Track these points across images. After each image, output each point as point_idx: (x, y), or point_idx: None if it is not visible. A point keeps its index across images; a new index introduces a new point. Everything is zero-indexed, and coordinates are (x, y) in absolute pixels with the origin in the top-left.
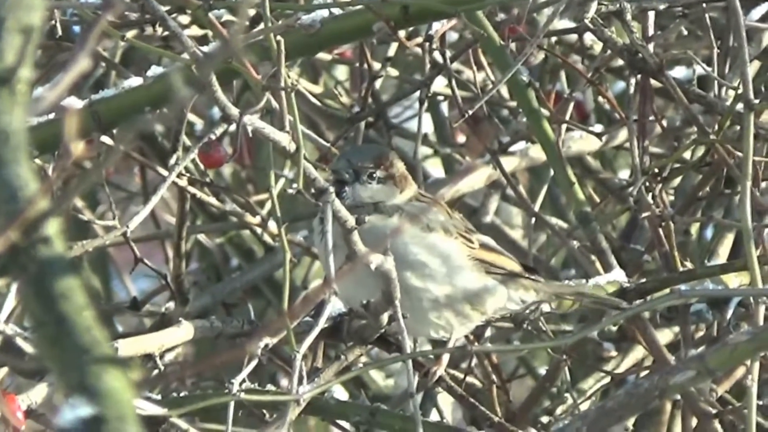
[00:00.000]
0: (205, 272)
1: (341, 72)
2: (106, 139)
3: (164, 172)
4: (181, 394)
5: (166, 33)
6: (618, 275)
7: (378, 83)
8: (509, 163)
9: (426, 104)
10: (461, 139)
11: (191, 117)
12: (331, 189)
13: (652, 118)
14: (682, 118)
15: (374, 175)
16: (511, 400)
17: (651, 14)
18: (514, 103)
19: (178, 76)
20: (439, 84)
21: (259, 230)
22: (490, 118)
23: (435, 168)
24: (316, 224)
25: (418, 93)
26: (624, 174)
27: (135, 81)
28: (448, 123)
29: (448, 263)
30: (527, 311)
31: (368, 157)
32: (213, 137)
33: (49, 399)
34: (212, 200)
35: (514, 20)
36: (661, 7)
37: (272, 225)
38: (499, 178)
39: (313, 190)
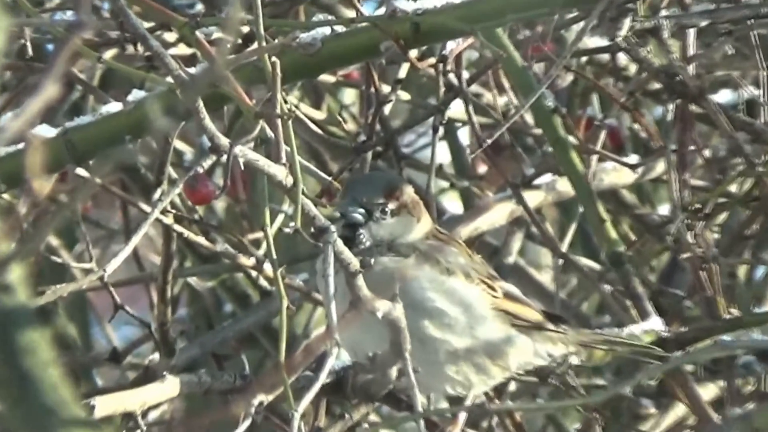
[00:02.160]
0: (194, 320)
1: (347, 96)
2: (81, 171)
3: (147, 209)
4: None
5: (149, 53)
6: (656, 323)
7: (387, 108)
8: (534, 197)
9: (441, 132)
10: (480, 170)
11: (179, 145)
12: (333, 228)
13: (693, 147)
14: (726, 147)
15: (386, 209)
16: None
17: (691, 32)
18: (539, 131)
19: (160, 102)
20: (456, 109)
21: (254, 273)
22: (512, 148)
23: (451, 203)
24: (318, 266)
25: (431, 119)
26: (663, 210)
27: (114, 106)
28: (465, 153)
29: (469, 312)
30: (554, 364)
31: (376, 189)
32: (200, 170)
33: None
34: (202, 240)
35: (538, 38)
36: (703, 23)
37: (268, 267)
38: (522, 215)
39: (313, 229)
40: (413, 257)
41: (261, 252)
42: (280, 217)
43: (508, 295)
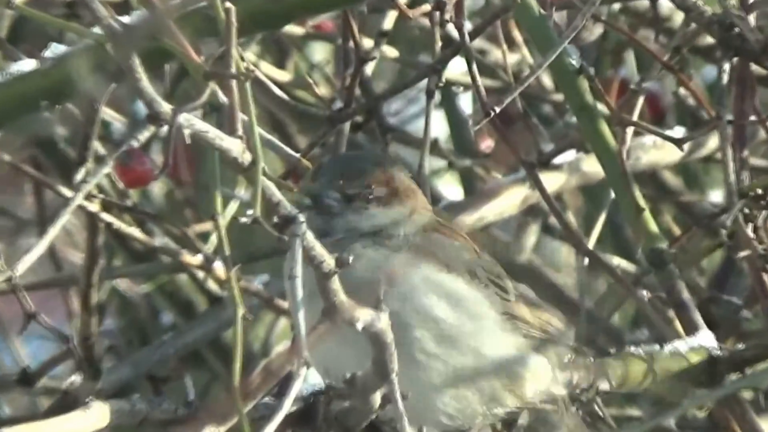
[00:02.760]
0: (125, 333)
1: (318, 52)
2: None
3: (68, 193)
4: None
5: None
6: (706, 339)
7: (370, 68)
8: (553, 180)
9: (437, 98)
10: (486, 146)
11: (108, 114)
12: (301, 217)
13: (753, 118)
14: None
15: (371, 195)
16: None
17: None
18: (559, 97)
19: (84, 59)
20: (456, 69)
21: (200, 274)
22: (526, 118)
23: (449, 187)
24: (284, 266)
25: (425, 82)
26: (715, 197)
27: (27, 64)
28: (467, 124)
29: (474, 321)
30: (579, 391)
31: (358, 171)
32: (135, 144)
33: None
34: (135, 232)
35: None
36: None
37: (219, 266)
38: (538, 202)
39: (276, 219)
40: (404, 252)
41: (210, 248)
42: (235, 204)
43: (523, 299)
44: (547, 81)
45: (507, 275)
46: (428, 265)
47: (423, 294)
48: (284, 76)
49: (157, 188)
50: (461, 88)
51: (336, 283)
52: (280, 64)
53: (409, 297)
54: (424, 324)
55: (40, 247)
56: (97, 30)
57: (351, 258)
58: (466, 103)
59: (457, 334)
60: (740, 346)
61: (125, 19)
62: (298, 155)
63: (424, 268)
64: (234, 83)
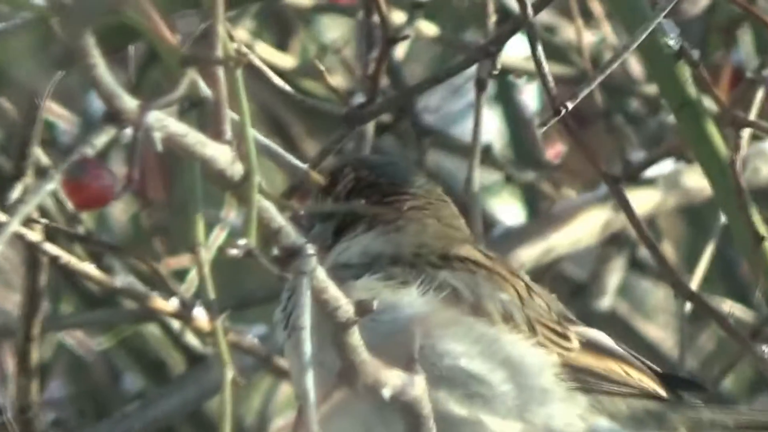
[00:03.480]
0: (77, 402)
1: (332, 29)
2: None
3: (0, 216)
4: None
5: None
6: None
7: (401, 50)
8: (644, 199)
9: (490, 90)
10: (556, 154)
11: (51, 113)
12: (310, 249)
13: None
14: None
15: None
16: None
17: None
18: (652, 89)
19: (23, 38)
20: (515, 52)
21: (176, 324)
22: (607, 117)
23: (506, 208)
24: (278, 314)
25: (474, 70)
26: None
27: None
28: (531, 125)
29: (521, 380)
30: None
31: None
32: (90, 153)
33: None
34: (90, 268)
35: None
36: None
37: (201, 314)
38: (624, 228)
39: (277, 251)
40: (417, 289)
41: (189, 289)
42: (222, 232)
43: (589, 347)
44: (635, 68)
45: (571, 318)
46: (447, 306)
47: (454, 343)
48: (287, 61)
49: (119, 210)
50: (523, 78)
51: (356, 337)
52: (282, 45)
53: (437, 353)
54: (454, 383)
55: None
56: (39, 0)
57: (376, 303)
58: (529, 97)
59: (499, 396)
60: None
61: None
62: (305, 166)
63: (449, 313)
64: (221, 71)
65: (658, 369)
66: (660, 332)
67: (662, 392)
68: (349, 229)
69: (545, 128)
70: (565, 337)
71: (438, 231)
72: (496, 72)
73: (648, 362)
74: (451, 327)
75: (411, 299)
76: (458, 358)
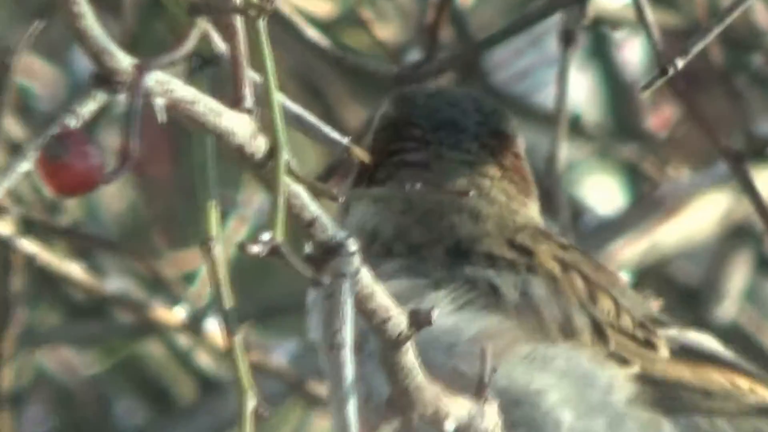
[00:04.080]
0: None
1: None
2: None
3: None
4: None
5: None
6: None
7: None
8: None
9: (579, 46)
10: (662, 124)
11: (26, 75)
12: (352, 245)
13: None
14: None
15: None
16: None
17: None
18: None
19: None
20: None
21: (183, 340)
22: (727, 78)
23: (600, 191)
24: (314, 327)
25: (558, 18)
26: None
27: None
28: (631, 89)
29: (584, 403)
30: None
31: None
32: (74, 124)
33: None
34: (75, 270)
35: None
36: None
37: (215, 328)
38: (749, 218)
39: (311, 248)
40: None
41: (199, 296)
42: (242, 223)
43: (683, 353)
44: (762, 16)
45: (660, 319)
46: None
47: (532, 369)
48: (324, 7)
49: (111, 196)
50: (620, 30)
51: (410, 357)
52: None
53: (516, 376)
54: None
55: None
56: None
57: (436, 313)
58: (630, 53)
59: (552, 427)
60: None
61: None
62: (346, 140)
63: (518, 328)
64: (239, 21)
65: None
66: None
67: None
68: (365, 179)
69: (650, 92)
70: (650, 345)
71: (489, 210)
72: (586, 22)
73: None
74: (533, 350)
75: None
76: (542, 389)
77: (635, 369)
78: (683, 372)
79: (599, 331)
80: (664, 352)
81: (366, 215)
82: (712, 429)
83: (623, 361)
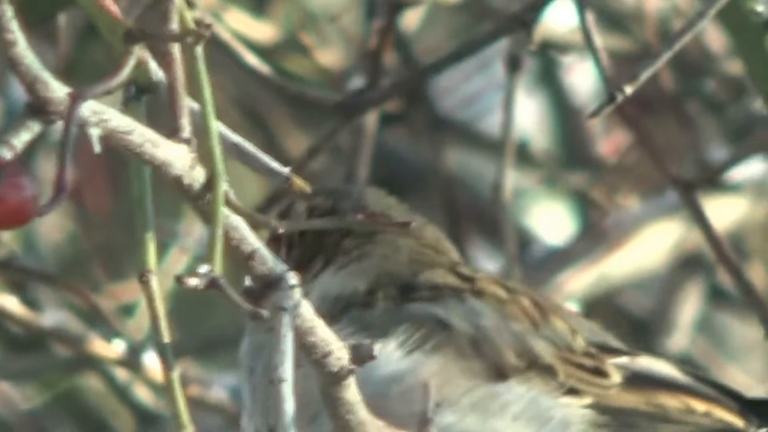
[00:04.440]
0: None
1: None
2: None
3: None
4: None
5: None
6: None
7: (411, 19)
8: (726, 210)
9: (525, 70)
10: (612, 152)
11: None
12: (292, 279)
13: None
14: None
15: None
16: None
17: None
18: (735, 68)
19: None
20: (558, 21)
21: (122, 374)
22: (678, 104)
23: (548, 221)
24: (246, 359)
25: (503, 44)
26: None
27: None
28: (579, 115)
29: None
30: None
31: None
32: (7, 155)
33: None
34: (11, 303)
35: None
36: None
37: (153, 362)
38: (700, 248)
39: (250, 281)
40: (401, 333)
41: (137, 329)
42: (180, 255)
43: (635, 381)
44: (714, 41)
45: (611, 345)
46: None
47: (450, 422)
48: (266, 32)
49: (49, 228)
50: (567, 54)
51: (352, 391)
52: (259, 12)
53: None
54: None
55: None
56: None
57: (377, 347)
58: (577, 79)
59: None
60: None
61: None
62: (286, 171)
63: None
64: (177, 49)
65: (743, 394)
66: (746, 378)
67: (740, 424)
68: (306, 269)
69: (598, 118)
70: (600, 373)
71: (415, 252)
72: (533, 47)
73: (728, 386)
74: (444, 389)
75: (388, 357)
76: (450, 429)
77: (587, 400)
78: (634, 399)
79: (546, 363)
80: (615, 378)
81: (328, 284)
82: None
83: (574, 392)
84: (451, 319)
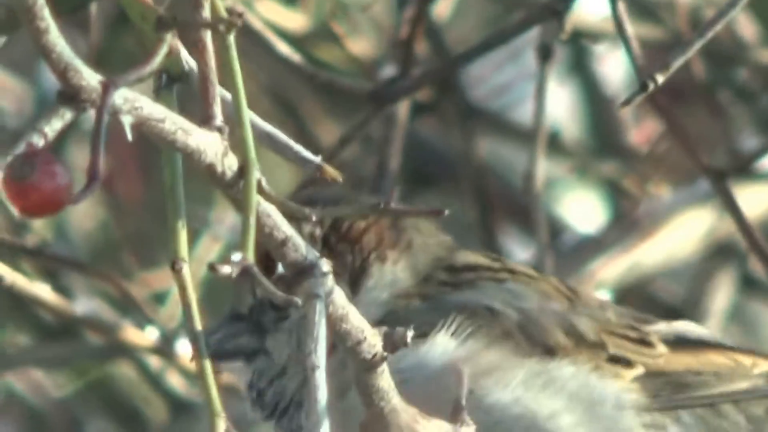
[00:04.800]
0: None
1: None
2: None
3: None
4: None
5: None
6: None
7: (442, 7)
8: (758, 198)
9: (557, 59)
10: (643, 141)
11: None
12: (325, 266)
13: None
14: None
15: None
16: None
17: None
18: None
19: None
20: (590, 10)
21: (154, 362)
22: (710, 93)
23: (579, 209)
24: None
25: (535, 33)
26: None
27: None
28: (610, 104)
29: (592, 423)
30: None
31: None
32: (40, 143)
33: None
34: (42, 291)
35: None
36: None
37: (186, 349)
38: (732, 236)
39: (283, 269)
40: (444, 332)
41: (170, 317)
42: (212, 243)
43: (682, 343)
44: (746, 29)
45: (647, 318)
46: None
47: (498, 399)
48: (296, 22)
49: (80, 216)
50: (599, 43)
51: (386, 378)
52: (291, 1)
53: (483, 409)
54: None
55: None
56: None
57: (410, 334)
58: (609, 68)
59: None
60: None
61: None
62: (319, 158)
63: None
64: (208, 37)
65: None
66: None
67: None
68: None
69: (630, 108)
70: (646, 343)
71: (428, 246)
72: (565, 36)
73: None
74: (493, 372)
75: (442, 346)
76: (508, 410)
77: (639, 370)
78: (686, 360)
79: (597, 335)
80: (661, 348)
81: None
82: (718, 418)
83: (626, 363)
84: (496, 305)
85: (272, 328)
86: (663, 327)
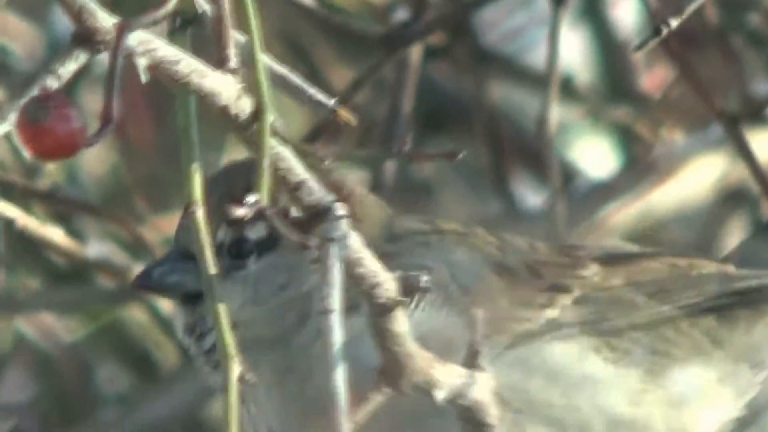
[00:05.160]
0: (42, 405)
1: None
2: None
3: None
4: None
5: None
6: None
7: None
8: None
9: (566, 3)
10: (656, 85)
11: (5, 35)
12: (340, 209)
13: None
14: None
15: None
16: None
17: None
18: None
19: None
20: None
21: (165, 304)
22: (723, 38)
23: (591, 155)
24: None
25: None
26: None
27: None
28: (623, 49)
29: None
30: None
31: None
32: (54, 85)
33: None
34: (55, 234)
35: None
36: None
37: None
38: (745, 181)
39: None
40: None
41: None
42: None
43: (614, 258)
44: None
45: (572, 245)
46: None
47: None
48: None
49: (93, 159)
50: None
51: (401, 323)
52: None
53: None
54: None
55: None
56: None
57: (425, 278)
58: (622, 13)
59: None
60: None
61: None
62: (332, 102)
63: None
64: None
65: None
66: None
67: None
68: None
69: (643, 52)
70: (578, 265)
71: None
72: None
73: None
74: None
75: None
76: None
77: (576, 293)
78: (622, 273)
79: (530, 268)
80: (594, 267)
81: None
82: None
83: (562, 290)
84: (428, 263)
85: (226, 276)
86: (593, 248)
